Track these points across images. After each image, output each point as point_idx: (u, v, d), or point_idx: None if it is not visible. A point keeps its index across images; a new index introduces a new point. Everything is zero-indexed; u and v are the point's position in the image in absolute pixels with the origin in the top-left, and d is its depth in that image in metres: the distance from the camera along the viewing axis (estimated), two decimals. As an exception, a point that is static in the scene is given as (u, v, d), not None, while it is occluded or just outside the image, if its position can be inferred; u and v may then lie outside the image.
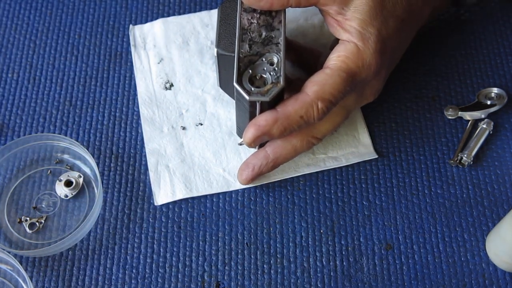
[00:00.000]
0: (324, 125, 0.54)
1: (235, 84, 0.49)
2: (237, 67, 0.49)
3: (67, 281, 0.54)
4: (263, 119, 0.50)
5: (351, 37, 0.50)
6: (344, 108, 0.54)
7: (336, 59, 0.50)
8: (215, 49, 0.52)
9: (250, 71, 0.49)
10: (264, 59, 0.50)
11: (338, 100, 0.50)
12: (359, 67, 0.50)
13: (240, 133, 0.56)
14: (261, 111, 0.50)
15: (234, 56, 0.50)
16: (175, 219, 0.57)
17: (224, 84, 0.56)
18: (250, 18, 0.51)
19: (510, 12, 0.66)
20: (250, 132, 0.50)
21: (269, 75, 0.49)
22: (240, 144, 0.56)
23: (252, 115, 0.51)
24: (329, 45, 0.59)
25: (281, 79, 0.49)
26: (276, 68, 0.50)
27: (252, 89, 0.49)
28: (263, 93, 0.49)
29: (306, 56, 0.60)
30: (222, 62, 0.53)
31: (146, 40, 0.65)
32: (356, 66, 0.50)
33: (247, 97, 0.49)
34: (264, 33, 0.51)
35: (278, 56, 0.50)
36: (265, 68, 0.50)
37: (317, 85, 0.50)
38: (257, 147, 0.56)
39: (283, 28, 0.51)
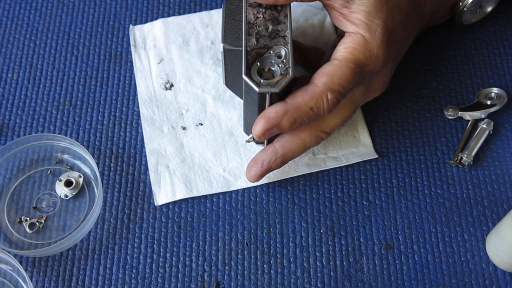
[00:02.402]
0: (332, 119, 0.53)
1: (244, 76, 0.49)
2: (245, 60, 0.49)
3: (67, 281, 0.54)
4: (273, 111, 0.49)
5: (357, 29, 0.50)
6: (352, 101, 0.54)
7: (343, 51, 0.50)
8: (222, 45, 0.52)
9: (259, 63, 0.49)
10: (271, 52, 0.50)
11: (347, 91, 0.50)
12: (367, 58, 0.50)
13: (247, 130, 0.56)
14: (271, 104, 0.50)
15: (241, 50, 0.50)
16: (175, 219, 0.57)
17: (230, 81, 0.56)
18: (256, 13, 0.51)
19: (510, 12, 0.66)
20: (260, 124, 0.49)
21: (278, 67, 0.49)
22: (248, 141, 0.56)
23: (261, 108, 0.50)
24: (330, 45, 0.59)
25: (290, 71, 0.49)
26: (285, 60, 0.49)
27: (261, 81, 0.48)
28: (272, 84, 0.48)
29: (309, 56, 0.60)
30: (229, 58, 0.53)
31: (146, 40, 0.65)
32: (364, 57, 0.50)
33: (256, 89, 0.48)
34: (270, 27, 0.51)
35: (285, 48, 0.50)
36: (273, 61, 0.49)
37: (326, 76, 0.49)
38: (265, 143, 0.55)
39: (289, 21, 0.51)
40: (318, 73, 0.50)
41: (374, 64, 0.51)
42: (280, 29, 0.51)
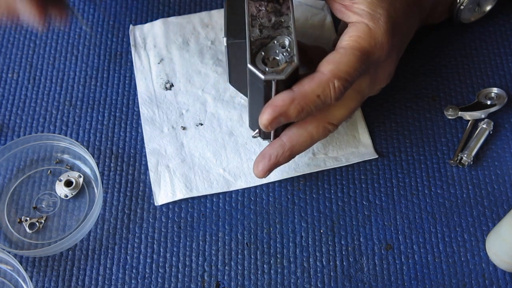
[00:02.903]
0: (339, 110, 0.53)
1: (249, 65, 0.48)
2: (250, 49, 0.49)
3: (67, 281, 0.54)
4: (280, 99, 0.49)
5: (361, 18, 0.50)
6: (359, 92, 0.54)
7: (348, 39, 0.50)
8: (224, 39, 0.51)
9: (263, 53, 0.49)
10: (275, 42, 0.50)
11: (353, 79, 0.50)
12: (372, 46, 0.50)
13: (253, 125, 0.55)
14: (277, 93, 0.49)
15: (245, 42, 0.50)
16: (175, 219, 0.57)
17: (234, 76, 0.55)
18: (258, 6, 0.51)
19: (510, 12, 0.66)
20: (267, 113, 0.49)
21: (282, 56, 0.49)
22: (254, 137, 0.56)
23: (267, 98, 0.50)
24: (331, 44, 0.59)
25: (295, 58, 0.49)
26: (289, 49, 0.49)
27: (267, 69, 0.48)
28: (278, 71, 0.48)
29: (310, 55, 0.60)
30: (232, 51, 0.52)
31: (146, 40, 0.65)
32: (369, 45, 0.50)
33: (262, 76, 0.48)
34: (273, 19, 0.50)
35: (289, 38, 0.50)
36: (277, 51, 0.49)
37: (332, 63, 0.49)
38: (271, 138, 0.55)
39: (292, 13, 0.51)
40: (324, 61, 0.50)
41: (379, 53, 0.51)
42: (283, 20, 0.51)
